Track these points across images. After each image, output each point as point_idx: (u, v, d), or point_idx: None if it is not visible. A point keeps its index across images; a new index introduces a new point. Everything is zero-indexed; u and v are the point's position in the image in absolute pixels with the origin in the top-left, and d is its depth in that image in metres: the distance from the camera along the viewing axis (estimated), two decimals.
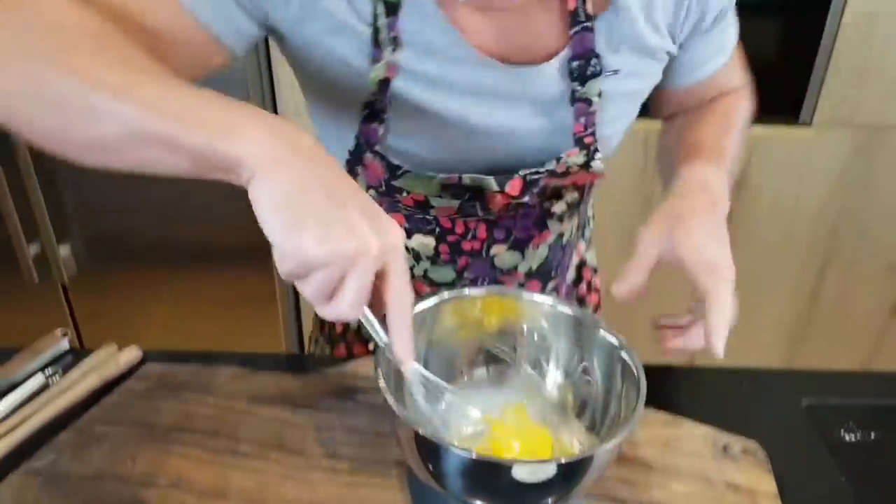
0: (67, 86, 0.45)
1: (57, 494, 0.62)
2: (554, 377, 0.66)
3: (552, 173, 0.70)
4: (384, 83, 0.64)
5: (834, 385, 0.82)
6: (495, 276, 0.79)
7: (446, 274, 0.78)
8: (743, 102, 0.82)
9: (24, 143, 1.58)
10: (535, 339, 0.66)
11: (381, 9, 0.61)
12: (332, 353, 0.90)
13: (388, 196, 0.71)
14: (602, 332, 0.62)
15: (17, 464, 0.65)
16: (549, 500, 0.53)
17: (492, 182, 0.68)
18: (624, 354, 0.60)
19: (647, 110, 0.80)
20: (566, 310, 0.65)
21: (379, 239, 0.45)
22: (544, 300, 0.65)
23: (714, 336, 0.58)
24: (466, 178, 0.68)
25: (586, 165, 0.71)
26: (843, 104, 1.73)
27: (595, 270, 0.97)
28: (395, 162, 0.68)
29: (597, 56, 0.66)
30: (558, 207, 0.77)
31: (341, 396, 0.72)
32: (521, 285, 0.81)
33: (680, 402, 0.75)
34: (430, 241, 0.76)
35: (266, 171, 0.44)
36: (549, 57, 0.66)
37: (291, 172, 0.44)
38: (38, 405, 0.72)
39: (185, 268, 1.74)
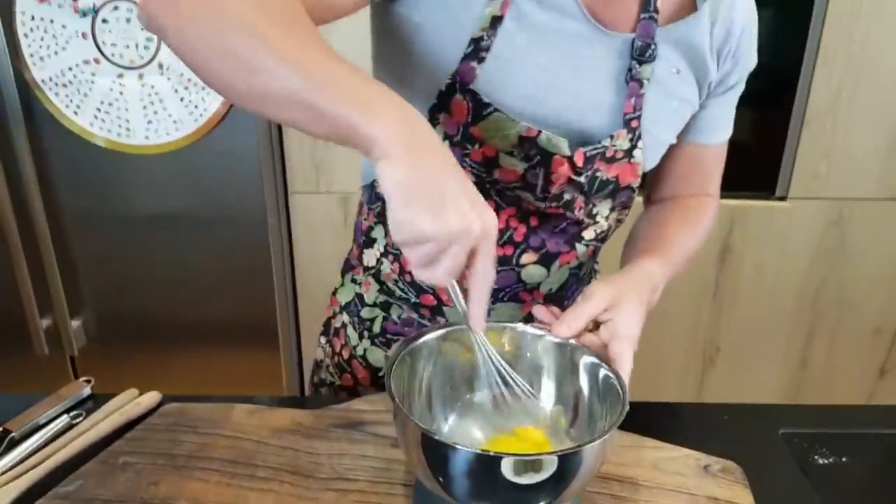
0: (248, 47, 0.54)
1: None
2: (547, 401, 0.71)
3: (603, 156, 0.77)
4: (496, 20, 0.70)
5: (809, 416, 0.88)
6: (519, 290, 0.85)
7: None
8: (711, 212, 0.93)
9: (43, 220, 1.66)
10: (529, 366, 0.72)
11: None
12: (339, 380, 0.96)
13: (460, 147, 0.75)
14: (587, 356, 0.69)
15: (45, 492, 0.70)
16: (545, 501, 0.58)
17: (565, 145, 0.74)
18: (608, 373, 0.66)
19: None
20: (554, 339, 0.71)
21: (480, 224, 0.54)
22: (534, 331, 0.72)
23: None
24: (543, 137, 0.73)
25: (629, 153, 0.79)
26: (814, 179, 1.85)
27: None
28: (486, 100, 0.72)
29: (655, 44, 0.75)
30: (588, 233, 0.84)
31: (349, 428, 0.78)
32: (539, 303, 0.86)
33: (666, 433, 0.80)
34: None
35: (394, 154, 0.53)
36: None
37: (414, 158, 0.53)
38: (63, 442, 0.77)
39: (191, 345, 1.80)
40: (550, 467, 0.56)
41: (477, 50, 0.71)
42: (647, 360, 1.94)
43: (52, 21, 1.52)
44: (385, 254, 0.86)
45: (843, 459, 0.78)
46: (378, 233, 0.86)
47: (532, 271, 0.84)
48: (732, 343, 2.01)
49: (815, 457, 0.79)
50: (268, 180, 1.69)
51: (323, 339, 1.00)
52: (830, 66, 1.73)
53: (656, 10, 0.75)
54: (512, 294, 0.85)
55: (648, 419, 0.80)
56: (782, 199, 1.87)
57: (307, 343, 2.00)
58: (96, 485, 0.70)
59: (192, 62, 0.58)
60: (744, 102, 0.89)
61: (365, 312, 0.92)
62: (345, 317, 0.95)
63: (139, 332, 1.79)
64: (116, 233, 1.71)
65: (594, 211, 0.83)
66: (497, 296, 0.85)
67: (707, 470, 0.73)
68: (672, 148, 0.87)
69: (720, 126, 0.88)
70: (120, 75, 1.56)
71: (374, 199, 0.86)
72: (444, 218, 0.52)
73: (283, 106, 0.55)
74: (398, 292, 0.87)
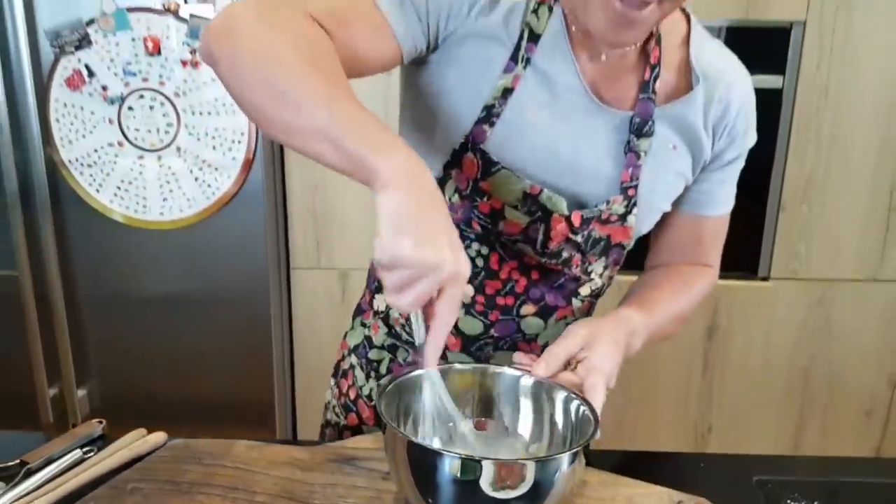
0: (290, 87, 0.64)
1: None
2: (525, 435, 0.77)
3: (599, 218, 0.85)
4: (508, 91, 0.80)
5: (782, 466, 0.92)
6: (518, 340, 0.91)
7: (476, 326, 0.90)
8: (706, 279, 0.98)
9: (60, 293, 1.74)
10: (509, 403, 0.78)
11: (526, 33, 0.80)
12: (345, 420, 1.01)
13: (470, 199, 0.83)
14: (562, 392, 0.75)
15: None
16: None
17: (564, 205, 0.82)
18: (580, 403, 0.72)
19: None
20: (531, 378, 0.77)
21: (454, 265, 0.60)
22: (513, 372, 0.78)
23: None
24: (545, 195, 0.81)
25: (624, 217, 0.86)
26: (794, 260, 1.93)
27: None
28: (494, 159, 0.81)
29: (653, 121, 0.83)
30: (584, 290, 0.91)
31: (342, 462, 0.83)
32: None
33: (642, 477, 0.84)
34: (469, 290, 0.85)
35: (392, 186, 0.60)
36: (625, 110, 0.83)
37: (410, 194, 0.60)
38: (74, 473, 0.82)
39: (192, 424, 1.83)
40: (529, 478, 0.61)
41: (489, 115, 0.81)
42: (639, 441, 1.96)
43: (82, 108, 1.66)
44: None
45: (815, 503, 0.82)
46: None
47: (531, 322, 0.91)
48: (724, 422, 2.03)
49: (788, 501, 0.82)
50: (272, 255, 1.78)
51: (332, 381, 1.06)
52: (802, 156, 1.85)
53: (654, 92, 0.84)
54: (511, 343, 0.92)
55: (626, 464, 0.85)
56: (765, 279, 1.95)
57: (303, 420, 2.02)
58: None
59: (237, 91, 0.68)
60: None
61: (373, 354, 0.98)
62: (353, 358, 1.01)
63: (140, 405, 1.84)
64: (126, 308, 1.80)
65: (589, 269, 0.90)
66: (497, 344, 0.92)
67: None
68: (672, 217, 0.93)
69: (719, 199, 0.94)
70: (140, 157, 1.69)
71: None
72: (424, 249, 0.59)
73: (309, 138, 0.64)
74: (405, 336, 0.94)
